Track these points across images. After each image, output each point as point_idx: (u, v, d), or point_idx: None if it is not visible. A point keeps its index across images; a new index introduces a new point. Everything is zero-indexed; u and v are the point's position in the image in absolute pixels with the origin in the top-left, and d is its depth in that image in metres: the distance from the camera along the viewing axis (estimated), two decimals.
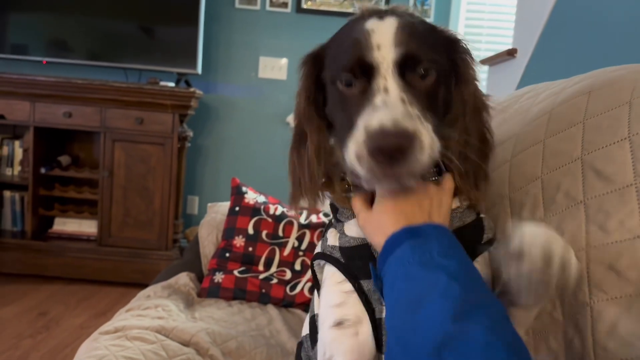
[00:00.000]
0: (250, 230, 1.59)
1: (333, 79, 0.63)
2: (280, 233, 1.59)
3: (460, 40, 0.65)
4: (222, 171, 3.43)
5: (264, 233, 1.59)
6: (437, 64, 0.59)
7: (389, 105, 0.53)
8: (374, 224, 0.62)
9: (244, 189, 1.70)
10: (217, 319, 1.35)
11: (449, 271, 0.52)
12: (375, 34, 0.58)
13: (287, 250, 1.57)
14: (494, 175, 0.79)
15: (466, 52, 0.65)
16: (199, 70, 3.05)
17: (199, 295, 1.54)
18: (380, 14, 0.61)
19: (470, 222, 0.66)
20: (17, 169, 3.11)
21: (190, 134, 3.09)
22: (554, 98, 0.78)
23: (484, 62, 2.63)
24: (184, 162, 3.07)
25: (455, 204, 0.65)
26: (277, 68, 3.32)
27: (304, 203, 0.70)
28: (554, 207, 0.66)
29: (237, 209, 1.64)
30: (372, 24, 0.60)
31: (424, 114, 0.55)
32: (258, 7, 3.30)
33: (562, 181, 0.66)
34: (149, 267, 2.88)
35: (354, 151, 0.54)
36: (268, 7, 3.29)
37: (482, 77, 3.22)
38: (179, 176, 2.99)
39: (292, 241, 1.58)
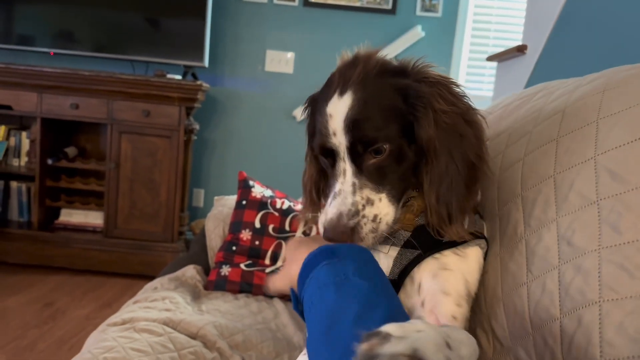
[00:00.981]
0: (257, 224, 1.60)
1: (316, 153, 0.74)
2: (287, 227, 1.59)
3: (411, 86, 0.67)
4: (228, 164, 3.44)
5: (270, 227, 1.59)
6: (388, 139, 0.66)
7: (342, 195, 0.67)
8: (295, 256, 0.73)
9: (250, 182, 1.70)
10: (223, 312, 1.35)
11: (363, 291, 0.56)
12: (332, 119, 0.68)
13: None
14: (506, 174, 0.79)
15: (423, 95, 0.66)
16: (206, 63, 3.05)
17: (206, 288, 1.55)
18: (344, 86, 0.67)
19: None
20: (24, 159, 3.13)
21: (197, 126, 3.10)
22: (568, 96, 0.77)
23: (492, 58, 2.61)
24: (190, 155, 3.08)
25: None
26: (284, 62, 3.31)
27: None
28: (566, 207, 0.66)
29: (244, 202, 1.65)
30: (331, 106, 0.68)
31: (378, 187, 0.67)
32: (265, 0, 3.29)
33: (575, 180, 0.66)
34: (155, 259, 2.90)
35: (320, 225, 0.69)
36: (275, 1, 3.28)
37: (490, 73, 3.21)
38: (185, 169, 3.00)
39: (298, 235, 1.58)
